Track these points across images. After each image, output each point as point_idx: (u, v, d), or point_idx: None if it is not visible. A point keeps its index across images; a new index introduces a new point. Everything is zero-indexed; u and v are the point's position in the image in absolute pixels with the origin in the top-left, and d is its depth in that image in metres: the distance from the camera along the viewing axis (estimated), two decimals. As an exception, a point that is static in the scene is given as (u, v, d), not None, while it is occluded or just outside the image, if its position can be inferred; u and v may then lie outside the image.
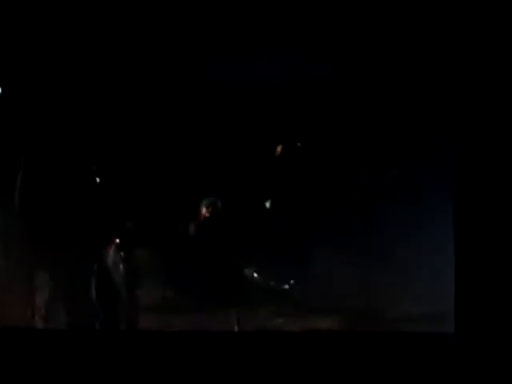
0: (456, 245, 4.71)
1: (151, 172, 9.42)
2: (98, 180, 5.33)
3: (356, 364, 4.94)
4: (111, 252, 5.92)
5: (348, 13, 7.02)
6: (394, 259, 7.87)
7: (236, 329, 5.83)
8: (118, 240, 5.90)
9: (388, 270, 7.91)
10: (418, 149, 8.23)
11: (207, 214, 8.05)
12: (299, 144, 9.10)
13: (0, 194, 5.82)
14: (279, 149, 8.99)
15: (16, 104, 5.71)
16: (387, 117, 9.60)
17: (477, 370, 4.53)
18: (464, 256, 4.64)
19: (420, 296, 6.18)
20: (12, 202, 5.28)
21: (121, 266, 5.91)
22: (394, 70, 8.26)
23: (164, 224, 8.23)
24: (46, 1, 5.92)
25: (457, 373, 4.52)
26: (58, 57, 6.28)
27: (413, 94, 8.93)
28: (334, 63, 9.32)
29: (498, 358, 4.53)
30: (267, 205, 9.41)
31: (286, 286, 7.70)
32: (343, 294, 7.66)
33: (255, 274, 7.67)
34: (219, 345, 5.14)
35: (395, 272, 7.84)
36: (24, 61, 5.76)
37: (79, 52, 6.90)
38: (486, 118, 4.68)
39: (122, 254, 5.97)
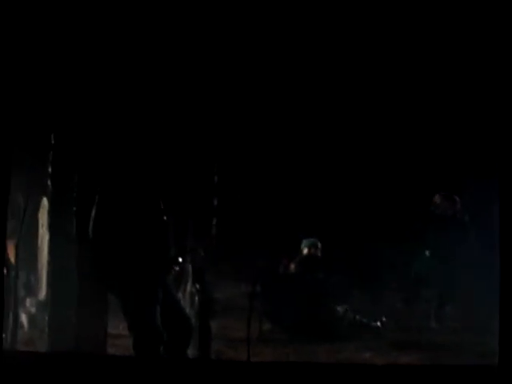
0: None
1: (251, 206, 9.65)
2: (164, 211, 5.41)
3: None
4: (187, 284, 6.06)
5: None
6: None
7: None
8: (192, 272, 6.04)
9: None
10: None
11: (308, 254, 8.22)
12: None
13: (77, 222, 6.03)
14: None
15: (96, 136, 5.92)
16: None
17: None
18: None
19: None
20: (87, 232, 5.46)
21: (196, 298, 6.03)
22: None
23: (264, 261, 8.41)
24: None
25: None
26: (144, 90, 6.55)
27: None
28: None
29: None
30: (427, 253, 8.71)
31: (378, 324, 7.62)
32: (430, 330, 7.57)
33: (347, 311, 7.70)
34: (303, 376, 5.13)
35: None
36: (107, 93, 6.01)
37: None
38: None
39: (197, 285, 6.09)
